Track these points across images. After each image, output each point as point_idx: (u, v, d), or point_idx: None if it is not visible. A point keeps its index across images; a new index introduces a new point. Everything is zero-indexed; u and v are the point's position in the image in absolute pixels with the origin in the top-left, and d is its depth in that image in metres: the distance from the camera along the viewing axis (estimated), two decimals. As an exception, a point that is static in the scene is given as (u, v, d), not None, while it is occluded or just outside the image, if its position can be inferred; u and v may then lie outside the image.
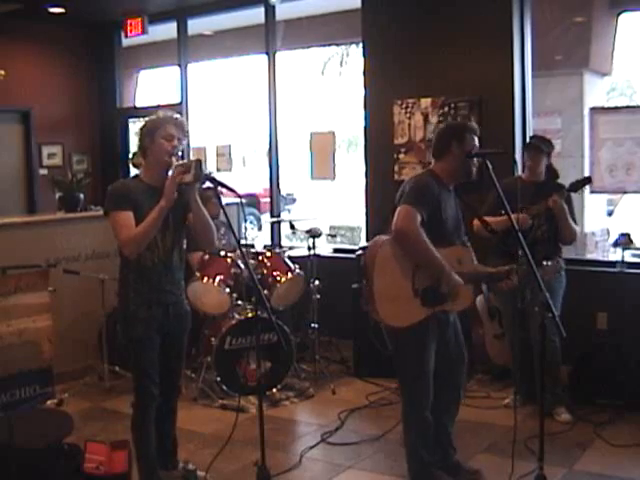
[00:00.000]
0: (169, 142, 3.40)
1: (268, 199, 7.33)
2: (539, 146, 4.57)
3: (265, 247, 6.05)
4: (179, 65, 7.62)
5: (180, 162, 3.40)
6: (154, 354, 3.48)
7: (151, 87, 10.62)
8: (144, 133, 3.45)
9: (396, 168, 6.00)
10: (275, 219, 6.93)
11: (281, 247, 6.62)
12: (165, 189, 3.32)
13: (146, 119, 3.51)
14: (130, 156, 8.00)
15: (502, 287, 3.80)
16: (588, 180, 4.50)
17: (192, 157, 7.43)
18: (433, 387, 3.54)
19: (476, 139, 3.54)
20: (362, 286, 3.51)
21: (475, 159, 3.50)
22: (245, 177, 10.82)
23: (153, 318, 3.45)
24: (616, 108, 6.08)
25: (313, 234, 5.65)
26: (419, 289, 3.42)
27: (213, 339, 5.02)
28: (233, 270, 5.13)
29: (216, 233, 3.67)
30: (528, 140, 4.76)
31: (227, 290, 5.05)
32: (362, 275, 3.51)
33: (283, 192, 7.71)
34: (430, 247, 3.36)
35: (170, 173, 3.36)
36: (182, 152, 3.55)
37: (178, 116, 3.51)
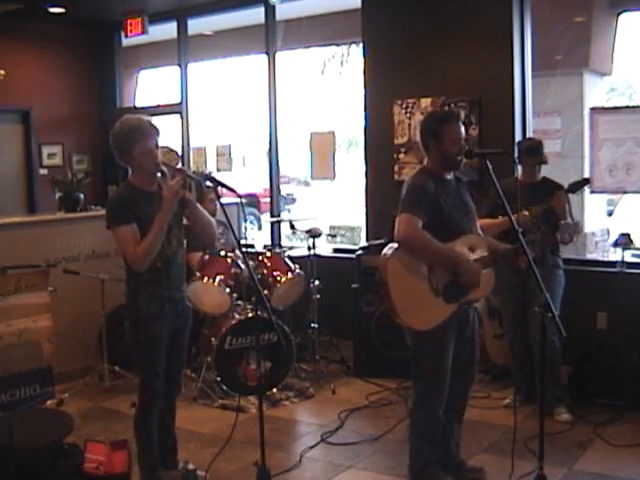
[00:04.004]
0: (149, 155, 3.37)
1: (268, 199, 7.33)
2: (537, 161, 4.59)
3: (265, 247, 6.05)
4: (179, 65, 7.63)
5: (178, 168, 3.39)
6: (163, 353, 3.50)
7: (151, 87, 10.61)
8: (119, 150, 3.39)
9: (396, 168, 6.00)
10: (275, 219, 6.93)
11: (281, 247, 6.62)
12: (165, 202, 3.33)
13: (112, 134, 3.40)
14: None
15: (519, 264, 3.79)
16: (587, 181, 4.50)
17: (192, 159, 7.43)
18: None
19: (457, 124, 3.46)
20: (382, 306, 3.48)
21: (461, 140, 3.45)
22: (245, 177, 10.81)
23: (166, 316, 3.47)
24: (616, 108, 6.07)
25: (313, 234, 5.65)
26: (439, 288, 3.42)
27: (213, 339, 5.02)
28: (233, 270, 5.13)
29: (216, 227, 3.69)
30: (529, 146, 4.72)
31: (227, 290, 5.04)
32: (379, 292, 3.50)
33: (283, 192, 7.71)
34: (438, 246, 3.36)
35: (164, 180, 3.38)
36: (182, 153, 3.55)
37: (145, 122, 3.40)
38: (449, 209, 3.45)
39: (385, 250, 3.50)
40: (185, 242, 3.64)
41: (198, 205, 3.53)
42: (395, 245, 3.43)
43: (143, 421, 3.54)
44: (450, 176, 3.55)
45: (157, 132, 3.44)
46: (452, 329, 3.49)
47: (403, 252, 3.39)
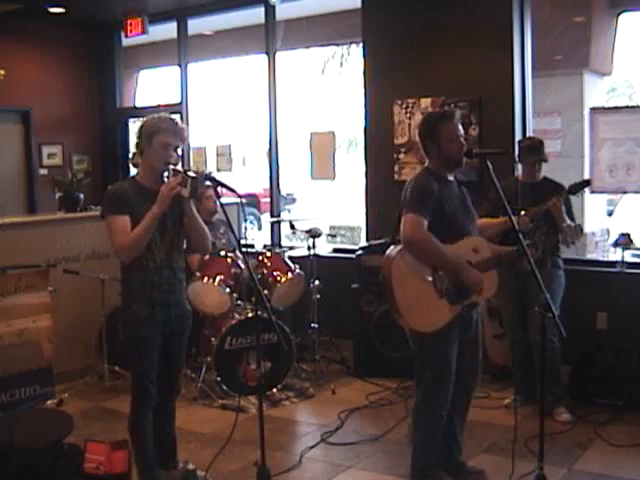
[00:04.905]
0: (165, 150, 3.39)
1: (268, 199, 7.33)
2: (537, 159, 4.59)
3: (265, 247, 6.05)
4: (179, 65, 7.62)
5: (178, 169, 3.39)
6: (155, 355, 3.48)
7: (151, 87, 10.62)
8: (142, 134, 3.44)
9: (396, 168, 5.99)
10: (275, 219, 6.93)
11: (281, 247, 6.62)
12: (159, 197, 3.32)
13: (145, 119, 3.49)
14: (130, 156, 8.01)
15: (523, 266, 3.78)
16: (587, 183, 4.50)
17: (192, 159, 7.44)
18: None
19: (454, 123, 3.46)
20: (383, 306, 3.46)
21: (460, 138, 3.45)
22: (245, 177, 10.81)
23: (156, 318, 3.45)
24: (616, 108, 6.07)
25: (313, 234, 5.65)
26: (443, 289, 3.41)
27: (213, 339, 5.02)
28: (233, 270, 5.13)
29: (210, 237, 3.66)
30: (529, 145, 4.72)
31: (227, 290, 5.05)
32: (381, 292, 3.49)
33: (283, 192, 7.71)
34: (442, 251, 3.36)
35: (166, 180, 3.38)
36: (182, 152, 3.54)
37: (178, 122, 3.46)
38: (452, 210, 3.45)
39: (388, 251, 3.49)
40: (185, 243, 3.64)
41: (196, 214, 3.51)
42: (399, 246, 3.43)
43: (136, 423, 3.54)
44: (452, 178, 3.55)
45: (183, 137, 3.46)
46: (456, 331, 3.48)
47: (407, 253, 3.38)
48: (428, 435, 3.55)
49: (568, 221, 4.48)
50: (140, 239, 3.33)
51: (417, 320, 3.42)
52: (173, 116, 3.58)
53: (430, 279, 3.40)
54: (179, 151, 3.46)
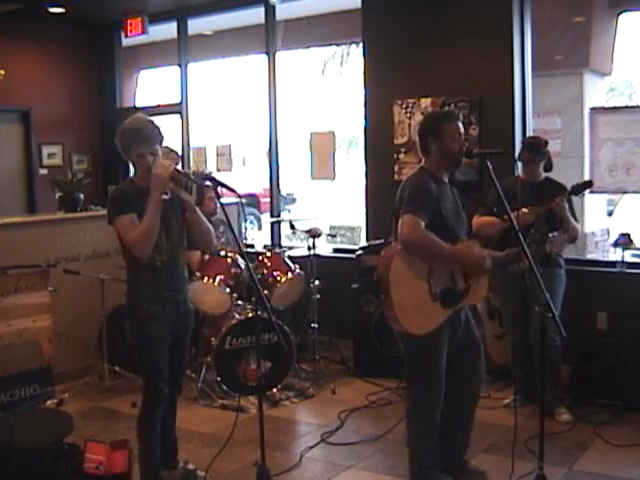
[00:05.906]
0: (143, 159, 3.40)
1: (268, 199, 7.34)
2: (533, 159, 4.57)
3: (265, 247, 6.05)
4: (179, 65, 7.63)
5: (180, 169, 3.39)
6: (166, 353, 3.50)
7: (151, 87, 10.62)
8: (121, 148, 3.44)
9: (396, 168, 6.00)
10: (275, 219, 6.93)
11: (281, 247, 6.62)
12: (153, 180, 3.31)
13: (119, 131, 3.45)
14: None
15: (516, 271, 3.78)
16: (589, 184, 4.49)
17: (192, 159, 7.43)
18: (450, 387, 3.52)
19: (457, 123, 3.47)
20: (382, 306, 3.46)
21: (462, 137, 3.46)
22: (245, 177, 10.82)
23: (167, 316, 3.46)
24: (616, 108, 6.07)
25: (313, 234, 5.65)
26: (437, 292, 3.41)
27: (213, 339, 5.02)
28: (233, 270, 5.13)
29: (214, 232, 3.68)
30: (530, 143, 4.71)
31: (227, 290, 5.04)
32: (379, 290, 3.49)
33: (283, 192, 7.71)
34: (442, 245, 3.35)
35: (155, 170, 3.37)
36: (182, 153, 3.55)
37: (147, 125, 3.42)
38: (447, 213, 3.45)
39: (384, 251, 3.49)
40: (186, 241, 3.64)
41: (198, 211, 3.51)
42: (396, 247, 3.43)
43: (146, 422, 3.54)
44: (446, 179, 3.55)
45: (158, 139, 3.45)
46: (446, 332, 3.49)
47: (407, 253, 3.37)
48: (421, 436, 3.54)
49: (572, 220, 4.49)
50: (150, 227, 3.31)
51: (411, 322, 3.40)
52: (144, 117, 3.51)
53: (426, 281, 3.40)
54: (158, 149, 3.44)
